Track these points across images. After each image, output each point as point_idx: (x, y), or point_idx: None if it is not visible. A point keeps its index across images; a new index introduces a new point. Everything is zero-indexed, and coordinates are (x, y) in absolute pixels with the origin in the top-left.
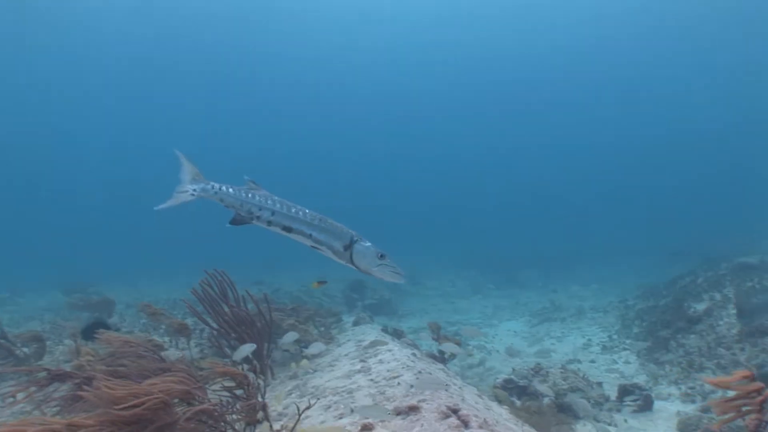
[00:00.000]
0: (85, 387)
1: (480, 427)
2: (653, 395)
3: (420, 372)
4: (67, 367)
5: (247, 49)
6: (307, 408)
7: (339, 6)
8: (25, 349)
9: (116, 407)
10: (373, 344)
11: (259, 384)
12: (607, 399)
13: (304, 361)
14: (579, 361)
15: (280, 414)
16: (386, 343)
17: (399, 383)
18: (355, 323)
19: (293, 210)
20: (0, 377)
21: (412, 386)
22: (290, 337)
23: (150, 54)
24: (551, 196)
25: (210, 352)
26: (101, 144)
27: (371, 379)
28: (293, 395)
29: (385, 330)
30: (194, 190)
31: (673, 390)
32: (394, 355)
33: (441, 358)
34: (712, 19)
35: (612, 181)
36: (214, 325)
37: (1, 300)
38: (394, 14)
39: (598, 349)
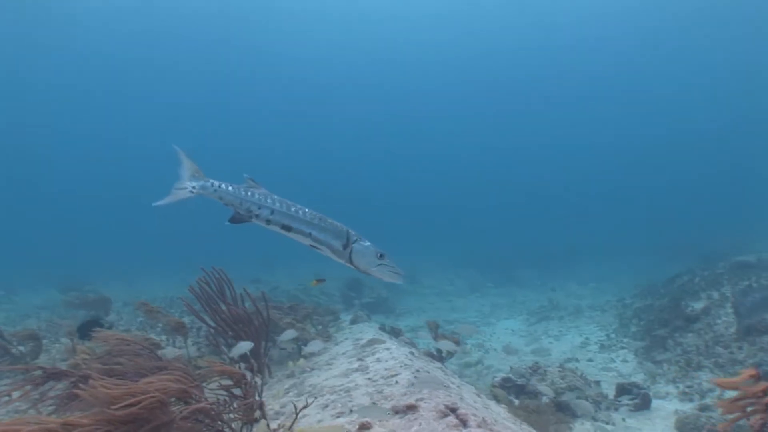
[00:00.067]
0: (81, 386)
1: (478, 426)
2: (651, 394)
3: (418, 371)
4: (64, 366)
5: (247, 49)
6: (305, 407)
7: (339, 5)
8: (21, 348)
9: (112, 407)
10: (371, 343)
11: (256, 383)
12: (605, 398)
13: (301, 360)
14: (577, 360)
15: (277, 413)
16: (384, 342)
17: (397, 382)
18: (353, 322)
19: (293, 209)
20: None
21: (413, 384)
22: (289, 334)
23: (150, 53)
24: (550, 195)
25: (207, 350)
26: (100, 143)
27: (369, 378)
28: (291, 394)
29: (382, 328)
30: (193, 187)
31: (671, 389)
32: (391, 354)
33: (439, 356)
34: (711, 19)
35: (610, 180)
36: (212, 324)
37: None
38: (395, 13)
39: (596, 347)
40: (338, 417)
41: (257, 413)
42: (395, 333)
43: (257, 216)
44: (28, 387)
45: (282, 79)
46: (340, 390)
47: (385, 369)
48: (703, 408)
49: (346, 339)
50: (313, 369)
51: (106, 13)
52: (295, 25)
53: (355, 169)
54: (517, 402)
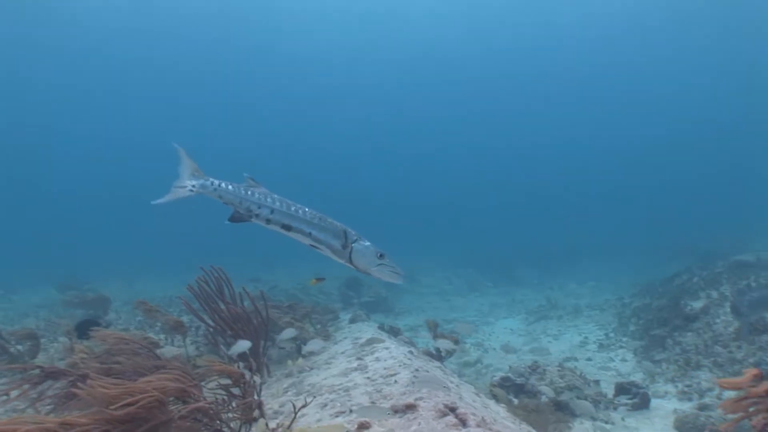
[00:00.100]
0: (80, 385)
1: (478, 425)
2: (650, 393)
3: (417, 370)
4: (62, 365)
5: (247, 48)
6: (304, 406)
7: (339, 5)
8: (19, 347)
9: (110, 406)
10: (370, 342)
11: (255, 382)
12: (604, 397)
13: (300, 359)
14: (576, 359)
15: (276, 412)
16: (383, 341)
17: (396, 381)
18: (352, 321)
19: (293, 208)
20: None
21: (412, 383)
22: (288, 333)
23: (150, 53)
24: (549, 194)
25: (206, 349)
26: (99, 142)
27: (368, 377)
28: (289, 393)
29: (381, 328)
30: (193, 185)
31: (670, 388)
32: (390, 353)
33: (438, 355)
34: (711, 18)
35: (610, 180)
36: (210, 323)
37: None
38: (395, 12)
39: (595, 347)
40: (337, 416)
41: (256, 412)
42: (394, 332)
43: (257, 215)
44: (26, 386)
45: (282, 78)
46: (339, 389)
47: (384, 368)
48: (702, 407)
49: (345, 338)
50: (311, 368)
51: (106, 13)
52: (295, 24)
53: (355, 168)
54: (516, 401)
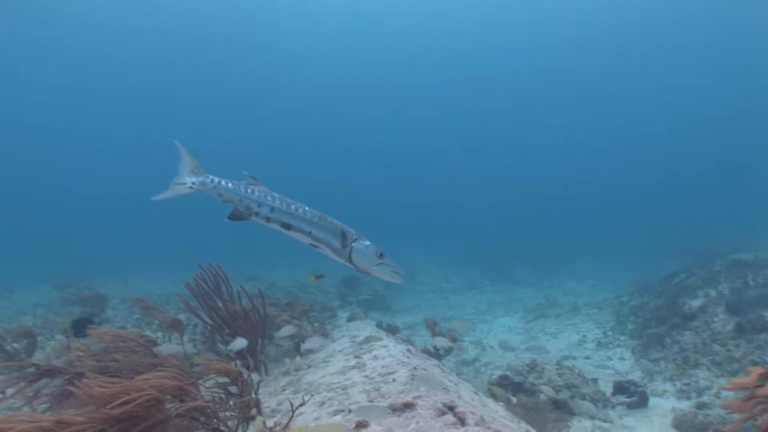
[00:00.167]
0: (76, 383)
1: (476, 424)
2: (648, 392)
3: (415, 368)
4: (59, 363)
5: (247, 48)
6: (301, 404)
7: (339, 4)
8: (16, 345)
9: (107, 405)
10: (368, 340)
11: (252, 380)
12: (603, 395)
13: (298, 358)
14: (574, 358)
15: (273, 410)
16: (381, 339)
17: (394, 379)
18: (350, 319)
19: (293, 207)
20: None
21: (410, 381)
22: (287, 330)
23: (150, 53)
24: (547, 192)
25: (203, 347)
26: (99, 142)
27: (366, 375)
28: (287, 391)
29: (379, 326)
30: (193, 183)
31: (668, 386)
32: (388, 351)
33: (436, 353)
34: (711, 17)
35: (608, 179)
36: (208, 320)
37: None
38: (396, 11)
39: (593, 345)
40: (335, 415)
41: (253, 411)
42: (392, 330)
43: (257, 214)
44: (22, 384)
45: (282, 77)
46: (337, 387)
47: (382, 366)
48: (701, 406)
49: (343, 336)
50: (309, 366)
51: (106, 13)
52: (295, 23)
53: (355, 166)
54: (514, 400)
